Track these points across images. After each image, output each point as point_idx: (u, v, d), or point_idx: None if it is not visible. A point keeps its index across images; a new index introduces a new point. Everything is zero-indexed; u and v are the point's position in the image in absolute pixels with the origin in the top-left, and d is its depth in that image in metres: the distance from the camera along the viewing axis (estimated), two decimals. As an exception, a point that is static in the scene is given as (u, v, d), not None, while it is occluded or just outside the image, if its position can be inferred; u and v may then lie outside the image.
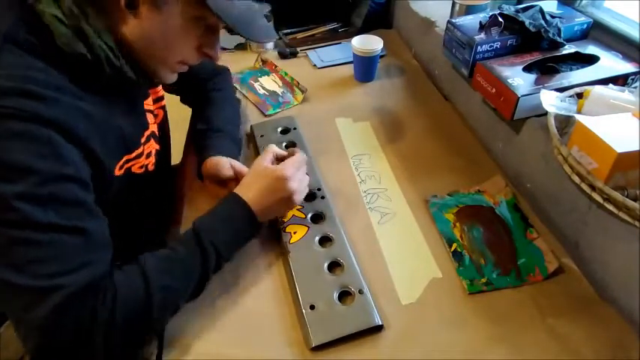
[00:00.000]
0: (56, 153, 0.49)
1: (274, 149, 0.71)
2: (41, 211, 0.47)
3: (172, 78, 0.66)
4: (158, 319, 0.55)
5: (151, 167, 0.72)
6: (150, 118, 0.72)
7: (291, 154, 0.70)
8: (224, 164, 0.74)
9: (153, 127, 0.74)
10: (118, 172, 0.62)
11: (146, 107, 0.72)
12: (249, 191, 0.65)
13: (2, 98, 0.47)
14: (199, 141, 0.81)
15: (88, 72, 0.55)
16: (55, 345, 0.48)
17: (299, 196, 0.68)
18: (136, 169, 0.67)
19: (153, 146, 0.73)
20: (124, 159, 0.63)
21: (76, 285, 0.48)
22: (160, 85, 0.77)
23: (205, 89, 0.90)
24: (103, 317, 0.49)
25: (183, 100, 0.95)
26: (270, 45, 1.23)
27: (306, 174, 0.71)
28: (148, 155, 0.71)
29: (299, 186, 0.67)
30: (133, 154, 0.65)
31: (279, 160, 0.70)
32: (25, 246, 0.47)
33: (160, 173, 0.77)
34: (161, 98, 0.77)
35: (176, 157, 0.90)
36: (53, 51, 0.52)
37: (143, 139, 0.68)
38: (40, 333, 0.47)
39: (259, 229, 0.67)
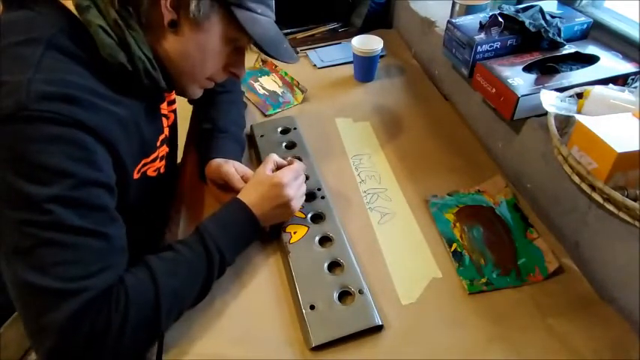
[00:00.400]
0: (91, 158, 0.51)
1: (275, 158, 0.73)
2: (70, 214, 0.48)
3: (199, 93, 0.69)
4: (165, 323, 0.55)
5: (162, 170, 0.73)
6: (164, 121, 0.73)
7: (290, 164, 0.72)
8: (228, 167, 0.75)
9: (167, 130, 0.74)
10: (135, 176, 0.62)
11: (162, 111, 0.73)
12: (250, 197, 0.66)
13: (42, 102, 0.47)
14: (204, 141, 0.82)
15: (124, 80, 0.56)
16: (67, 348, 0.48)
17: (296, 203, 0.70)
18: (150, 173, 0.68)
19: (165, 149, 0.74)
20: (142, 162, 0.64)
21: (96, 289, 0.49)
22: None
23: (213, 90, 0.90)
24: (115, 324, 0.50)
25: (190, 101, 0.95)
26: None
27: (305, 181, 0.73)
28: (162, 158, 0.72)
29: (296, 193, 0.69)
30: (150, 158, 0.66)
31: (280, 168, 0.72)
32: (51, 248, 0.47)
33: (169, 175, 0.78)
34: (173, 101, 0.78)
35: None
36: (94, 59, 0.53)
37: (158, 143, 0.69)
38: (55, 336, 0.47)
39: (260, 234, 0.69)
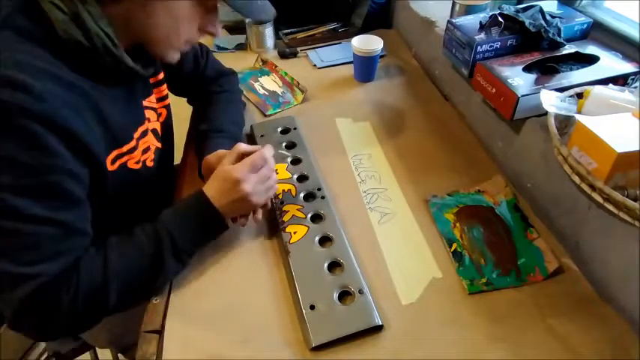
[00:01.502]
0: (42, 145, 0.50)
1: (240, 148, 0.69)
2: (25, 203, 0.50)
3: (177, 57, 0.66)
4: (115, 303, 0.58)
5: (150, 163, 0.72)
6: (151, 115, 0.72)
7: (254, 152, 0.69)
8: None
9: (154, 125, 0.74)
10: (111, 167, 0.62)
11: (148, 104, 0.72)
12: (210, 190, 0.65)
13: None
14: (200, 141, 0.82)
15: (87, 61, 0.55)
16: (23, 324, 0.55)
17: (256, 198, 0.66)
18: (132, 165, 0.67)
19: (152, 143, 0.72)
20: (115, 153, 0.63)
21: (50, 274, 0.53)
22: (165, 84, 0.78)
23: (210, 90, 0.90)
24: (65, 305, 0.54)
25: (190, 102, 0.96)
26: (270, 45, 1.23)
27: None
28: (145, 151, 0.70)
29: (254, 187, 0.66)
30: (125, 149, 0.65)
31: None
32: (7, 235, 0.51)
33: (163, 172, 0.78)
34: (165, 97, 0.78)
35: (177, 156, 0.90)
36: (53, 39, 0.52)
37: (137, 134, 0.68)
38: (11, 314, 0.53)
39: (223, 224, 0.66)
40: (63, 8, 0.52)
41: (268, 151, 0.69)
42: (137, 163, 0.68)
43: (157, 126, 0.75)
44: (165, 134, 0.78)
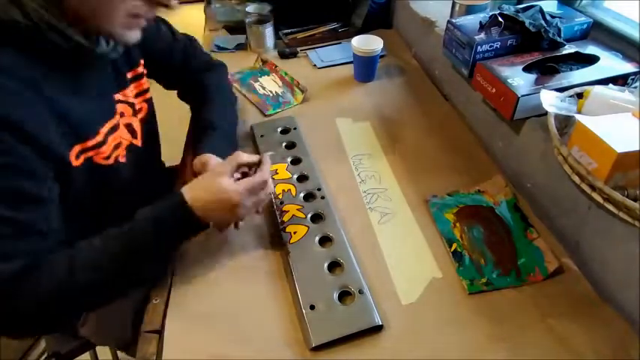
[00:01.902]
0: None
1: (240, 159, 0.65)
2: None
3: (133, 36, 0.61)
4: (81, 307, 0.58)
5: (122, 159, 0.69)
6: (125, 109, 0.70)
7: (258, 164, 0.67)
8: (212, 164, 0.71)
9: (129, 120, 0.72)
10: (75, 162, 0.60)
11: (122, 98, 0.70)
12: (198, 198, 0.59)
13: None
14: (195, 139, 0.81)
15: (34, 44, 0.53)
16: None
17: (245, 212, 0.64)
18: (99, 160, 0.64)
19: (124, 138, 0.70)
20: (78, 148, 0.60)
21: (6, 274, 0.50)
22: (144, 78, 0.76)
23: (201, 84, 0.89)
24: (24, 309, 0.52)
25: (179, 96, 0.94)
26: (270, 45, 1.23)
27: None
28: (117, 146, 0.68)
29: (248, 208, 0.63)
30: (89, 144, 0.62)
31: (248, 166, 0.67)
32: None
33: (147, 171, 0.76)
34: (145, 91, 0.76)
35: (176, 157, 0.90)
36: None
37: (104, 129, 0.65)
38: None
39: (204, 226, 0.62)
40: None
41: (267, 167, 0.66)
42: (106, 158, 0.65)
43: (134, 121, 0.72)
44: (146, 131, 0.75)
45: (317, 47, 1.23)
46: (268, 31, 1.20)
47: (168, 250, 0.64)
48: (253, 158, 0.67)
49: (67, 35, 0.54)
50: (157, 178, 0.83)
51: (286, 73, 1.10)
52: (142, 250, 0.58)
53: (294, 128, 0.92)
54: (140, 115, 0.75)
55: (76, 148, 0.60)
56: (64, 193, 0.57)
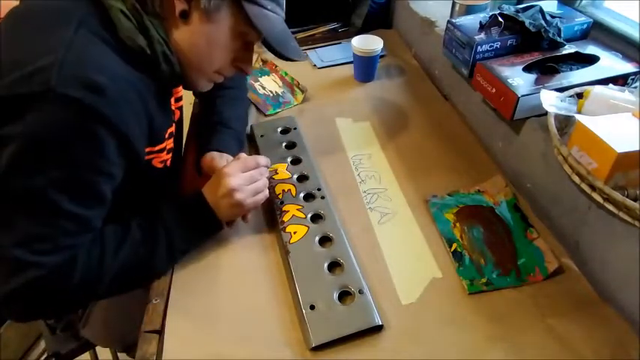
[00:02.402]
0: (98, 148, 0.53)
1: (242, 160, 0.71)
2: (63, 198, 0.52)
3: (208, 86, 0.70)
4: (103, 294, 0.60)
5: (169, 164, 0.73)
6: (172, 115, 0.74)
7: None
8: (221, 162, 0.75)
9: (173, 125, 0.75)
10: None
11: (173, 105, 0.74)
12: (206, 187, 0.68)
13: (69, 87, 0.49)
14: (204, 133, 0.82)
15: (143, 66, 0.58)
16: (10, 307, 0.56)
17: (242, 195, 0.67)
18: (156, 163, 0.69)
19: (171, 143, 0.74)
20: (148, 150, 0.65)
21: (52, 265, 0.53)
22: (181, 85, 0.78)
23: (219, 85, 0.90)
24: (56, 295, 0.56)
25: (195, 94, 0.96)
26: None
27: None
28: (169, 151, 0.72)
29: (240, 184, 0.66)
30: (157, 148, 0.67)
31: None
32: (37, 225, 0.52)
33: (174, 171, 0.79)
34: (180, 98, 0.79)
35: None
36: (118, 44, 0.55)
37: (167, 135, 0.70)
38: (3, 301, 0.54)
39: (219, 224, 0.68)
40: (130, 17, 0.55)
41: (263, 159, 0.72)
42: (161, 162, 0.70)
43: (173, 127, 0.76)
44: (178, 134, 0.79)
45: (317, 47, 1.23)
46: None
47: (188, 246, 0.67)
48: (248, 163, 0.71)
49: (174, 69, 0.60)
50: (176, 177, 0.86)
51: (286, 73, 1.10)
52: (162, 245, 0.62)
53: (294, 128, 0.92)
54: (175, 118, 0.78)
55: (147, 150, 0.65)
56: (120, 190, 0.60)
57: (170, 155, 0.74)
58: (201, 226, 0.67)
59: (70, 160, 0.51)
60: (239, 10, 0.59)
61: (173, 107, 0.75)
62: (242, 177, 0.68)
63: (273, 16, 0.62)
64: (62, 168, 0.51)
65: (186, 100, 0.95)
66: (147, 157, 0.66)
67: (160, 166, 0.70)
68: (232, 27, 0.61)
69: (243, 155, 0.72)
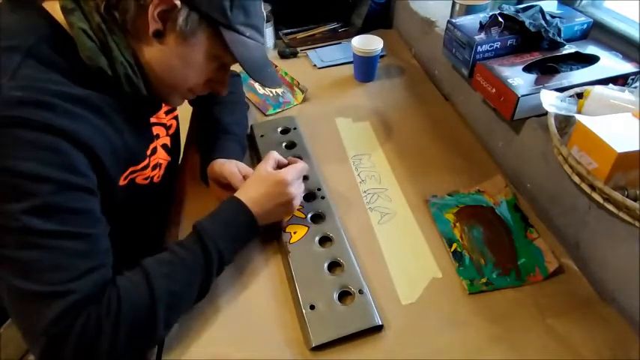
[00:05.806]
0: (66, 162, 0.50)
1: (276, 156, 0.73)
2: (50, 220, 0.48)
3: (180, 103, 0.69)
4: (164, 326, 0.54)
5: (156, 180, 0.72)
6: (160, 130, 0.73)
7: (292, 163, 0.72)
8: (231, 167, 0.74)
9: (164, 140, 0.74)
10: (122, 183, 0.62)
11: (156, 120, 0.72)
12: (249, 194, 0.66)
13: (13, 108, 0.47)
14: (206, 141, 0.81)
15: (105, 89, 0.56)
16: (58, 352, 0.48)
17: (297, 202, 0.70)
18: (140, 180, 0.67)
19: (162, 157, 0.73)
20: (130, 170, 0.64)
21: (83, 291, 0.49)
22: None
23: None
24: (107, 328, 0.49)
25: (191, 102, 0.94)
26: (270, 45, 1.23)
27: (305, 181, 0.74)
28: (155, 167, 0.71)
29: (297, 192, 0.69)
30: (139, 166, 0.66)
31: (280, 167, 0.72)
32: (34, 253, 0.47)
33: (167, 185, 0.78)
34: (174, 109, 0.78)
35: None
36: (75, 67, 0.53)
37: (148, 152, 0.69)
38: (44, 339, 0.47)
39: (259, 233, 0.68)
40: (92, 36, 0.53)
41: (305, 164, 0.73)
42: (145, 179, 0.69)
43: (167, 140, 0.75)
44: (174, 146, 0.78)
45: (317, 47, 1.23)
46: (268, 31, 1.20)
47: (233, 257, 0.65)
48: (284, 160, 0.74)
49: (139, 92, 0.58)
50: (170, 191, 0.84)
51: (286, 73, 1.10)
52: (215, 262, 0.59)
53: (294, 128, 0.92)
54: (171, 132, 0.77)
55: (129, 170, 0.63)
56: (105, 208, 0.57)
57: (159, 171, 0.72)
58: (245, 236, 0.67)
59: (40, 181, 0.47)
60: (216, 34, 0.58)
61: (164, 120, 0.74)
62: (298, 184, 0.70)
63: (251, 43, 0.61)
64: (34, 191, 0.47)
65: (185, 104, 0.95)
66: (130, 176, 0.64)
67: (144, 182, 0.68)
68: (208, 50, 0.59)
69: (299, 162, 0.72)
